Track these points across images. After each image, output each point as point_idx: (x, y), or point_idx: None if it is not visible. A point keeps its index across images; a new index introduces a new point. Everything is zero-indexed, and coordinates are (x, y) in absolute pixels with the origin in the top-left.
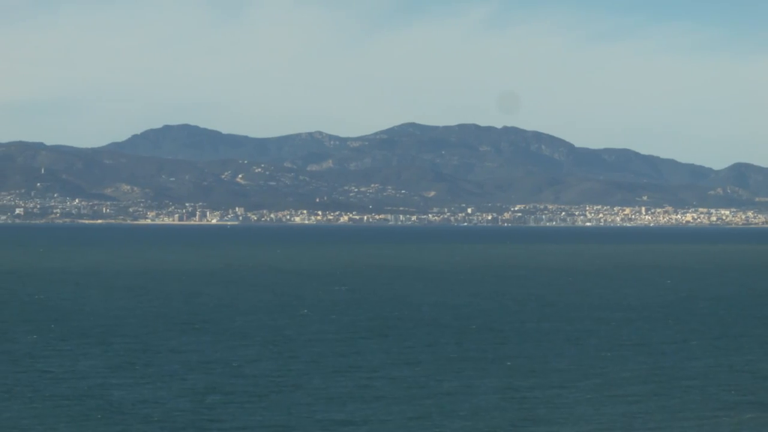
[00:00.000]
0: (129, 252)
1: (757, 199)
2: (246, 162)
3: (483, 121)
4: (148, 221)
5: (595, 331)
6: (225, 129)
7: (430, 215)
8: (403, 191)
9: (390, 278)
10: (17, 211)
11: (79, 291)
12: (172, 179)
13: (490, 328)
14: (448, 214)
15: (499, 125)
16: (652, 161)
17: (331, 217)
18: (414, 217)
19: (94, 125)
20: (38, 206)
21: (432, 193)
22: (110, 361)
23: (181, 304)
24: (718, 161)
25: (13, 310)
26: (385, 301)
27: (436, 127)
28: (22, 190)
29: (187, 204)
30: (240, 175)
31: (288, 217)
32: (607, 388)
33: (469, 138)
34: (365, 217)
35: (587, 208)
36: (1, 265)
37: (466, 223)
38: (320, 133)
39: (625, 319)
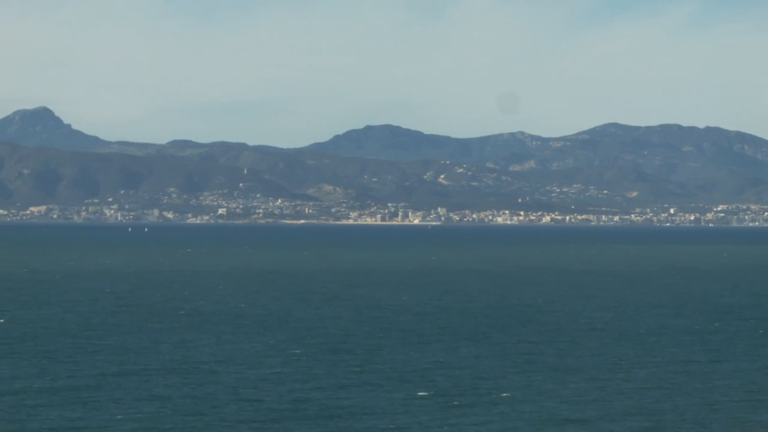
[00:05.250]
0: (391, 251)
1: None
2: (448, 162)
3: (685, 121)
4: (351, 221)
5: None
6: (426, 129)
7: (632, 215)
8: (605, 191)
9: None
10: (220, 211)
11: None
12: (374, 179)
13: None
14: (651, 214)
15: (701, 125)
16: None
17: (533, 218)
18: (616, 218)
19: (296, 126)
20: (241, 206)
21: (634, 194)
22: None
23: (580, 302)
24: None
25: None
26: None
27: (638, 128)
28: (225, 191)
29: (389, 204)
30: (442, 176)
31: (490, 217)
32: None
33: (671, 138)
34: (567, 218)
35: None
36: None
37: (668, 224)
38: (522, 133)
39: None
